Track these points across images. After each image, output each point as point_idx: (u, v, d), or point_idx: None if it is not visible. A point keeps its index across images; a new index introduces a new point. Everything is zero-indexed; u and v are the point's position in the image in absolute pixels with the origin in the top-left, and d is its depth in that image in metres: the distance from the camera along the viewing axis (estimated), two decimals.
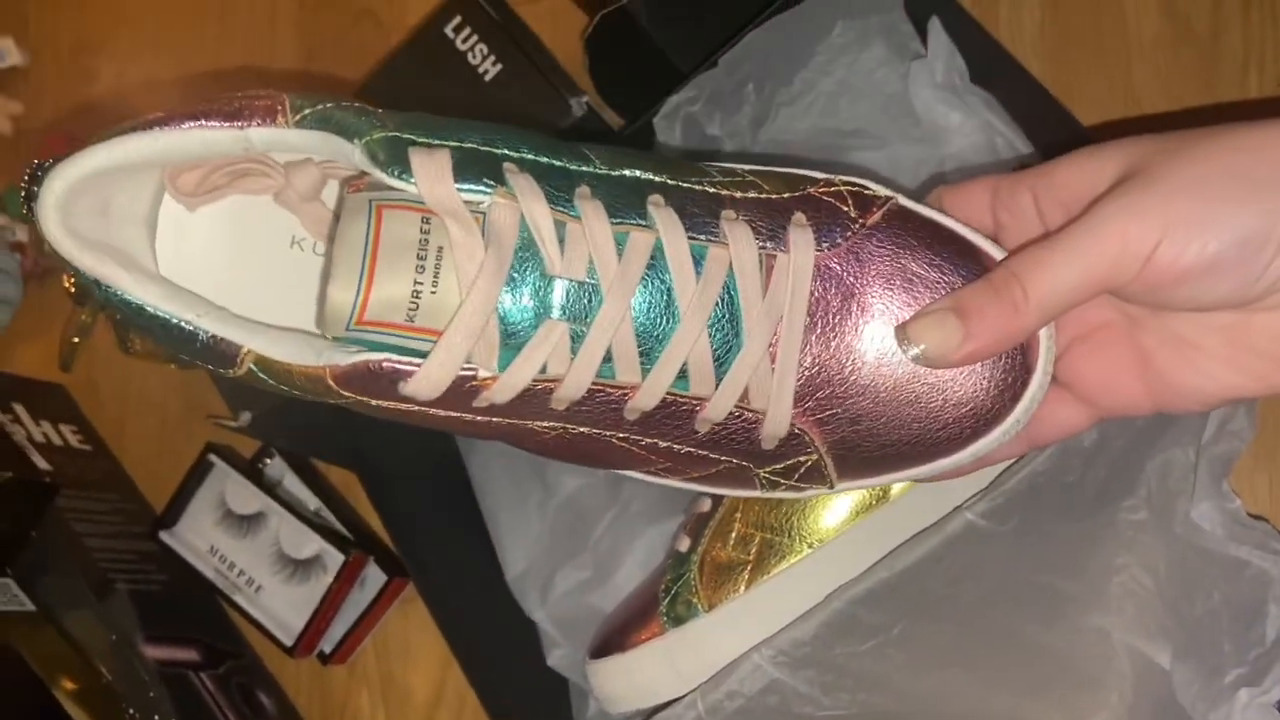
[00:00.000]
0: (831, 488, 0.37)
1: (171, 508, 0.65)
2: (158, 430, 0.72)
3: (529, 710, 0.54)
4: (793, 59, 0.50)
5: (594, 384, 0.33)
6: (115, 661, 0.58)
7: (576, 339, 0.32)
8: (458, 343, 0.31)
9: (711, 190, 0.35)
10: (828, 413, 0.35)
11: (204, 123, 0.34)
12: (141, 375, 0.73)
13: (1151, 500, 0.42)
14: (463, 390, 0.33)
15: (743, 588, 0.45)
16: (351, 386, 0.32)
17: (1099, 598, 0.43)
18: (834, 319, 0.35)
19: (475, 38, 0.55)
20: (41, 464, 0.65)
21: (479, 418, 0.34)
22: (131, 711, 0.57)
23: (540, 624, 0.53)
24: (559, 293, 0.32)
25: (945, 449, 0.35)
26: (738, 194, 0.35)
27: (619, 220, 0.33)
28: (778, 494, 0.37)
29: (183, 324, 0.33)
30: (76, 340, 0.69)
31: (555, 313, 0.32)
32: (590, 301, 0.32)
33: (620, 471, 0.38)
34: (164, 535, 0.65)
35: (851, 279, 0.35)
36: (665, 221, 0.33)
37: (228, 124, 0.34)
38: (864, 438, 0.35)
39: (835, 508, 0.45)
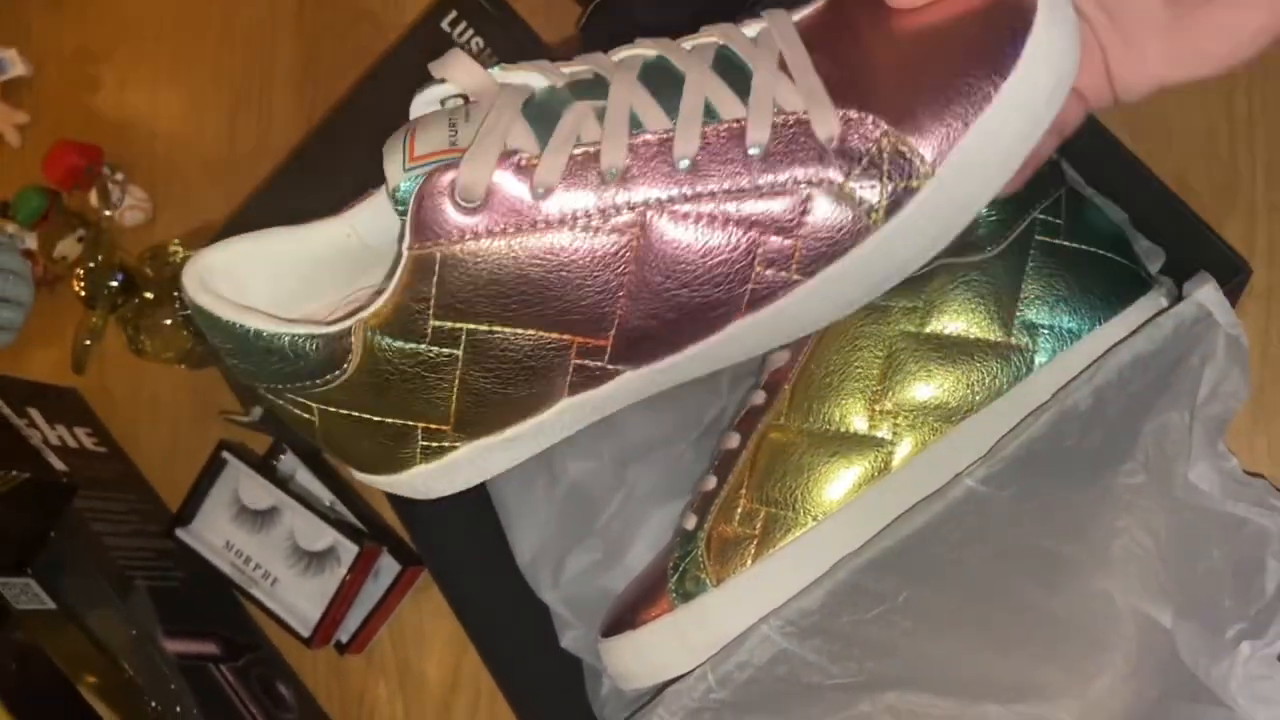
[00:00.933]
0: (928, 169, 0.36)
1: (187, 505, 0.66)
2: (170, 430, 0.73)
3: (545, 691, 0.54)
4: None
5: (632, 140, 0.36)
6: (136, 657, 0.59)
7: (600, 111, 0.36)
8: (492, 125, 0.35)
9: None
10: (870, 96, 0.36)
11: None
12: (153, 377, 0.74)
13: (1149, 463, 0.42)
14: (514, 189, 0.35)
15: (749, 562, 0.45)
16: (425, 234, 0.35)
17: (1100, 561, 0.44)
18: (830, 34, 0.37)
19: (471, 31, 0.56)
20: (58, 465, 0.66)
21: (542, 232, 0.35)
22: (154, 705, 0.58)
23: (552, 606, 0.54)
24: (575, 90, 0.37)
25: (999, 66, 0.35)
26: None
27: (614, 52, 0.38)
28: (880, 205, 0.36)
29: (297, 337, 0.37)
30: (88, 342, 0.70)
31: (575, 99, 0.36)
32: (602, 89, 0.37)
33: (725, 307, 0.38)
34: (180, 533, 0.66)
35: (831, 13, 0.38)
36: (653, 41, 0.38)
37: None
38: (922, 101, 0.35)
39: (839, 480, 0.45)
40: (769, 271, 0.37)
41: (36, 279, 0.78)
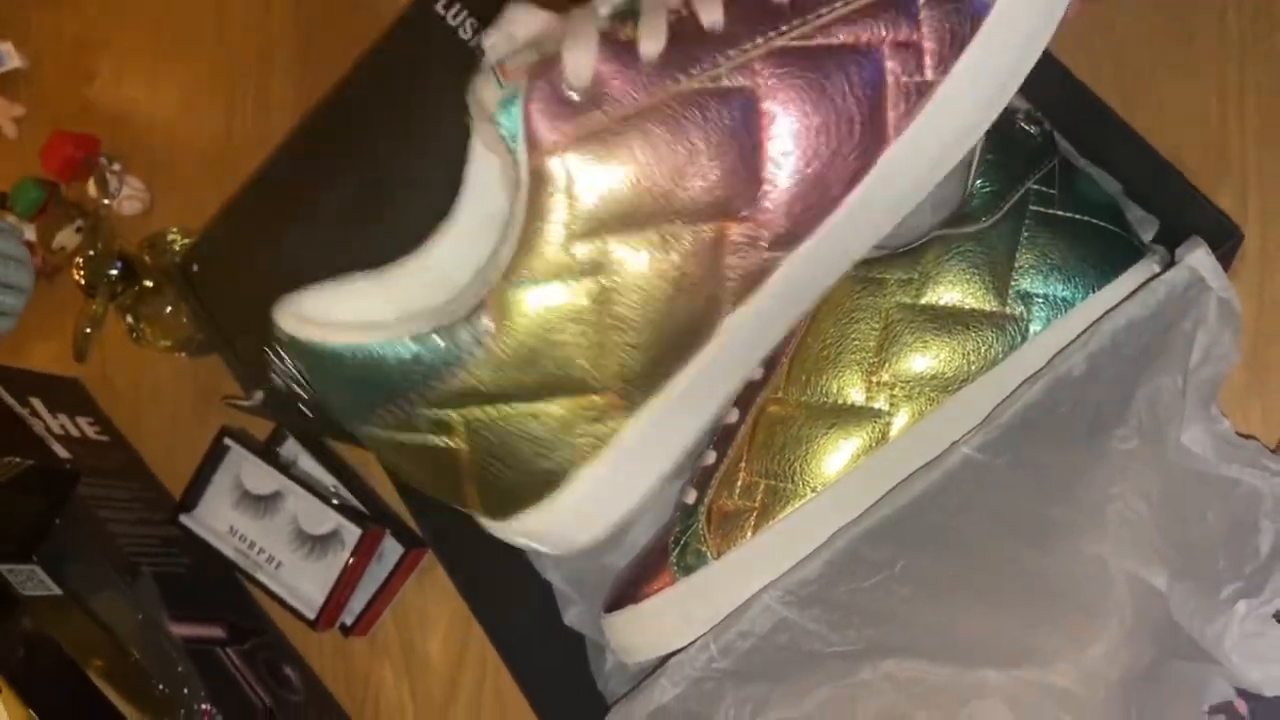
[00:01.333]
0: None
1: (190, 492, 0.66)
2: (172, 418, 0.74)
3: (549, 668, 0.55)
4: None
5: None
6: (143, 641, 0.60)
7: None
8: (580, 14, 0.34)
9: None
10: None
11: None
12: (154, 366, 0.74)
13: (1143, 428, 0.43)
14: (621, 65, 0.33)
15: (750, 534, 0.46)
16: (541, 141, 0.33)
17: (1096, 526, 0.44)
18: None
19: (465, 12, 0.56)
20: (62, 454, 0.66)
21: (661, 104, 0.33)
22: (161, 688, 0.58)
23: (555, 584, 0.55)
24: None
25: None
26: None
27: None
28: None
29: (421, 336, 0.35)
30: (89, 330, 0.71)
31: None
32: None
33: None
34: (184, 519, 0.66)
35: None
36: None
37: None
38: None
39: (837, 451, 0.46)
40: (905, 78, 0.34)
41: (36, 270, 0.78)
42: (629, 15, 0.34)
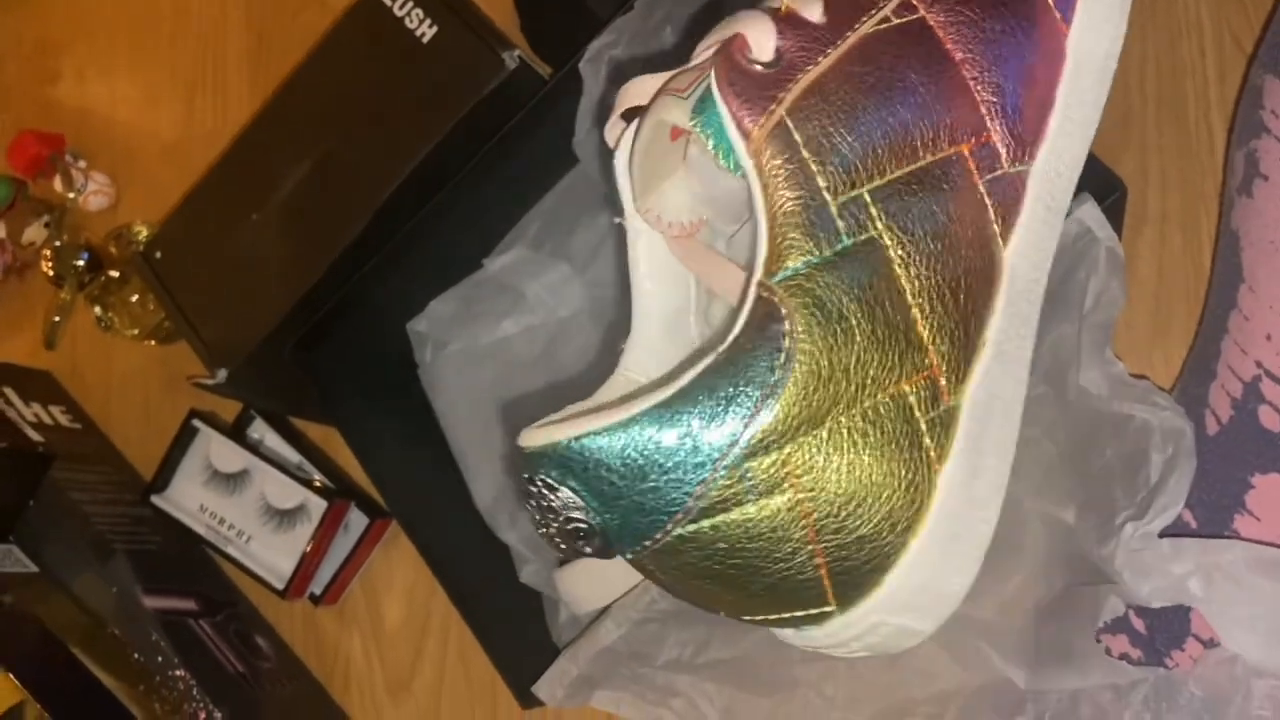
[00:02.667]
0: None
1: (161, 472, 0.69)
2: (142, 404, 0.76)
3: (508, 624, 0.58)
4: None
5: None
6: (119, 614, 0.62)
7: None
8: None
9: None
10: None
11: None
12: (123, 354, 0.77)
13: (1049, 375, 0.46)
14: (796, 23, 0.33)
15: None
16: (753, 107, 0.31)
17: (1012, 468, 0.47)
18: None
19: (411, 4, 0.59)
20: (36, 439, 0.68)
21: (851, 43, 0.32)
22: (137, 657, 0.61)
23: (512, 545, 0.57)
24: None
25: None
26: None
27: None
28: None
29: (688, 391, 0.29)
30: (58, 319, 0.73)
31: None
32: None
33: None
34: (156, 499, 0.69)
35: None
36: None
37: None
38: None
39: None
40: None
41: (6, 266, 0.80)
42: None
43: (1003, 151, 0.34)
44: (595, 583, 0.51)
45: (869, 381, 0.31)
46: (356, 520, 0.66)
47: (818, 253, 0.31)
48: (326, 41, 0.63)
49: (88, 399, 0.78)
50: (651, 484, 0.29)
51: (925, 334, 0.32)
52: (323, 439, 0.69)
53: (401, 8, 0.59)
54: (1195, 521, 0.43)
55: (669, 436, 0.28)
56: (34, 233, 0.78)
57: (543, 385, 0.60)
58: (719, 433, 0.29)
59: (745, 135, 0.31)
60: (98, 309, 0.73)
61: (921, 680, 0.47)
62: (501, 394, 0.59)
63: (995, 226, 0.34)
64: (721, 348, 0.29)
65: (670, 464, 0.28)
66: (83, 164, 0.79)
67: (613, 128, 0.36)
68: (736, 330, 0.30)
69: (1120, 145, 0.54)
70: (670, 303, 0.37)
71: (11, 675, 0.57)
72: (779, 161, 0.31)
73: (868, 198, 0.31)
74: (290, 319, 0.59)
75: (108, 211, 0.80)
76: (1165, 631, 0.43)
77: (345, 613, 0.68)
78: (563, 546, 0.31)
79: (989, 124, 0.33)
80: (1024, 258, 0.35)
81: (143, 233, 0.73)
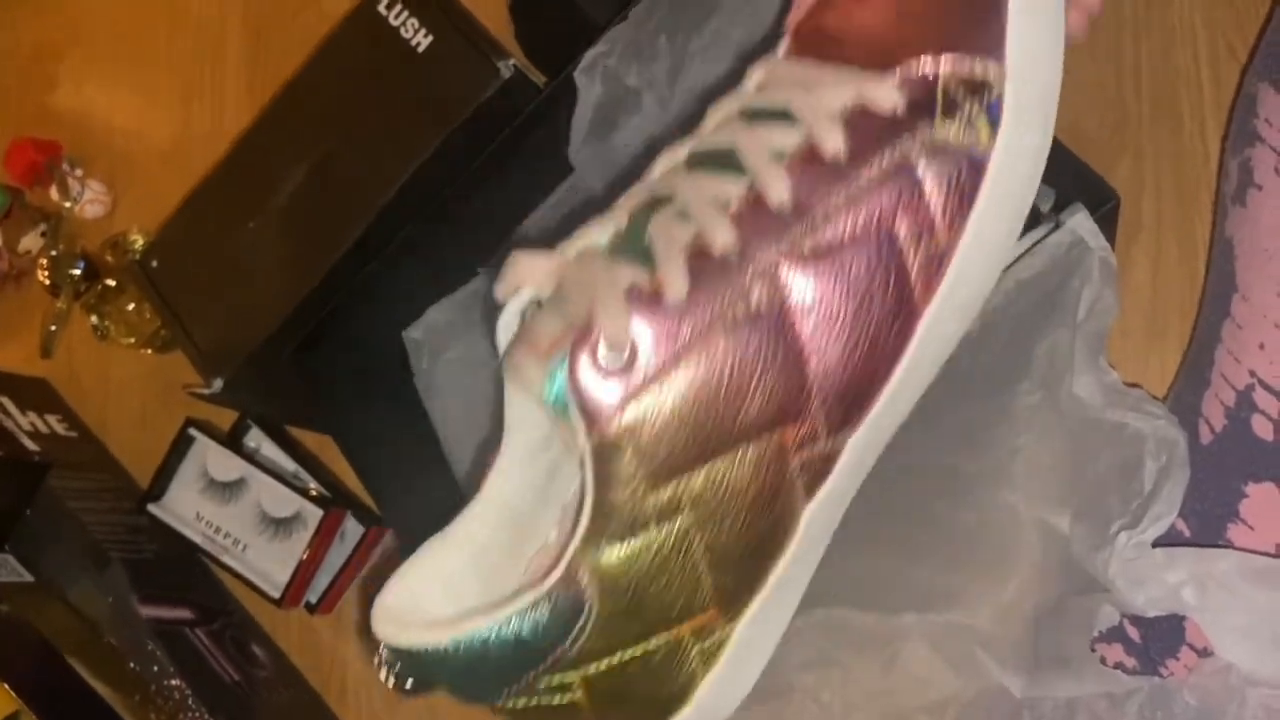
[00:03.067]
0: (998, 71, 0.35)
1: (157, 481, 0.69)
2: (139, 412, 0.76)
3: None
4: (701, 8, 0.54)
5: (728, 213, 0.34)
6: (114, 623, 0.62)
7: (679, 211, 0.35)
8: (595, 279, 0.34)
9: None
10: (904, 47, 0.35)
11: None
12: (120, 363, 0.77)
13: (1044, 382, 0.46)
14: (652, 320, 0.33)
15: None
16: (595, 414, 0.33)
17: (1005, 476, 0.47)
18: (827, 12, 0.37)
19: (406, 13, 0.59)
20: (32, 448, 0.68)
21: (701, 343, 0.34)
22: (133, 666, 0.61)
23: None
24: (638, 212, 0.36)
25: None
26: None
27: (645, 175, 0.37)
28: (981, 128, 0.35)
29: (524, 612, 0.34)
30: (54, 328, 0.73)
31: (651, 216, 0.35)
32: (666, 196, 0.35)
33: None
34: (152, 508, 0.69)
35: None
36: (676, 146, 0.37)
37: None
38: (953, 20, 0.35)
39: None
40: (921, 253, 0.35)
41: (3, 274, 0.80)
42: (643, 260, 0.34)
43: (824, 432, 0.35)
44: None
45: (653, 631, 0.35)
46: (352, 529, 0.66)
47: (628, 534, 0.34)
48: (322, 50, 0.63)
49: (84, 407, 0.78)
50: (479, 677, 0.35)
51: (710, 591, 0.36)
52: (319, 447, 0.69)
53: (397, 17, 0.59)
54: (1189, 530, 0.43)
55: (493, 651, 0.34)
56: (30, 241, 0.78)
57: None
58: (531, 654, 0.35)
59: (588, 428, 0.33)
60: (94, 317, 0.73)
61: (918, 688, 0.47)
62: (498, 402, 0.59)
63: (800, 493, 0.36)
64: (537, 594, 0.34)
65: (494, 668, 0.35)
66: (79, 172, 0.79)
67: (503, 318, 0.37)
68: (549, 584, 0.34)
69: (1115, 152, 0.54)
70: (527, 436, 0.39)
71: (7, 684, 0.57)
72: (607, 460, 0.34)
73: (682, 486, 0.34)
74: (286, 326, 0.59)
75: (104, 219, 0.80)
76: (1160, 640, 0.43)
77: (341, 621, 0.68)
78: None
79: (817, 409, 0.35)
80: (824, 511, 0.37)
81: (138, 241, 0.73)
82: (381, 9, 0.60)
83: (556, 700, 0.36)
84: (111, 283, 0.72)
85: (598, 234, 0.36)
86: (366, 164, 0.59)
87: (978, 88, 0.34)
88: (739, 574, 0.36)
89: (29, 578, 0.62)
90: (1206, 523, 0.43)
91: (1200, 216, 0.51)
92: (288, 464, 0.68)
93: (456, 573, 0.37)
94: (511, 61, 0.57)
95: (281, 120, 0.64)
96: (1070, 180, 0.47)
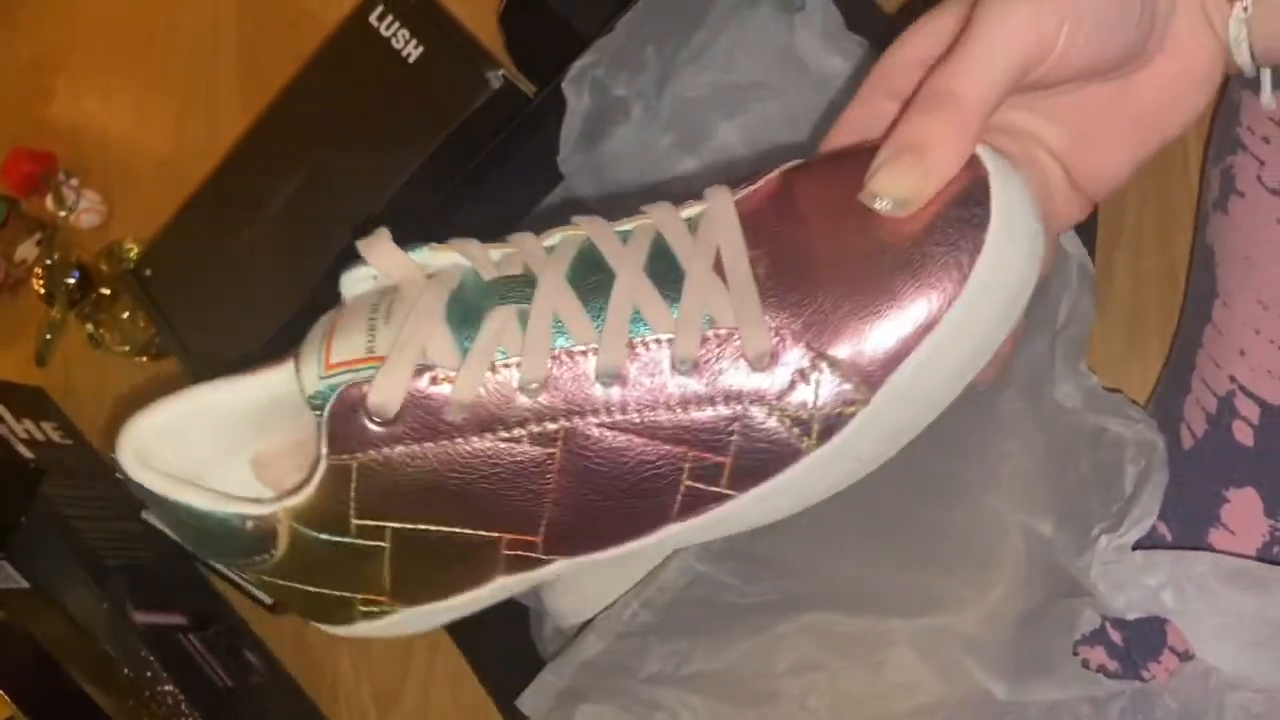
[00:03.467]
0: (865, 394, 0.33)
1: None
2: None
3: (494, 639, 0.58)
4: (687, 19, 0.55)
5: (554, 353, 0.34)
6: (109, 628, 0.62)
7: (523, 316, 0.34)
8: (409, 337, 0.34)
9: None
10: (808, 310, 0.33)
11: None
12: (115, 372, 0.77)
13: (1026, 389, 0.46)
14: (427, 398, 0.34)
15: None
16: (340, 445, 0.34)
17: (991, 482, 0.48)
18: (774, 225, 0.34)
19: (397, 24, 0.60)
20: (27, 455, 0.69)
21: (460, 444, 0.34)
22: (127, 672, 0.61)
23: None
24: (500, 289, 0.35)
25: (945, 289, 0.33)
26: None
27: (547, 235, 0.36)
28: (814, 429, 0.34)
29: (229, 516, 0.36)
30: (49, 337, 0.73)
31: (499, 302, 0.34)
32: (529, 289, 0.34)
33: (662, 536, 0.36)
34: (147, 514, 0.69)
35: (779, 195, 0.35)
36: (589, 223, 0.36)
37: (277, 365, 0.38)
38: (863, 321, 0.33)
39: None
40: (699, 485, 0.34)
41: None
42: (466, 328, 0.34)
43: (540, 548, 0.36)
44: (579, 595, 0.51)
45: (329, 588, 0.38)
46: None
47: (329, 534, 0.36)
48: (314, 61, 0.64)
49: (79, 415, 0.78)
50: (201, 540, 0.38)
51: (389, 586, 0.37)
52: None
53: (388, 28, 0.60)
54: (1171, 535, 0.44)
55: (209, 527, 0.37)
56: (26, 251, 0.78)
57: None
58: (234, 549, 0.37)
59: (329, 448, 0.34)
60: (89, 326, 0.74)
61: (903, 693, 0.47)
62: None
63: (499, 570, 0.37)
64: (242, 511, 0.36)
65: (211, 543, 0.38)
66: (74, 182, 0.80)
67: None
68: (252, 511, 0.36)
69: None
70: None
71: (2, 690, 0.57)
72: (335, 481, 0.35)
73: (389, 527, 0.36)
74: (279, 335, 0.60)
75: (99, 229, 0.80)
76: (1142, 644, 0.44)
77: None
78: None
79: (541, 534, 0.36)
80: (518, 585, 0.38)
81: (133, 250, 0.74)
82: (373, 20, 0.61)
83: (256, 591, 0.42)
84: (106, 292, 0.73)
85: (467, 261, 0.36)
86: (358, 173, 0.60)
87: (838, 396, 0.33)
88: (421, 590, 0.38)
89: (24, 584, 0.62)
90: (1188, 527, 0.43)
91: (1181, 223, 0.51)
92: None
93: (223, 415, 0.39)
94: (501, 72, 0.58)
95: (274, 130, 0.64)
96: None
